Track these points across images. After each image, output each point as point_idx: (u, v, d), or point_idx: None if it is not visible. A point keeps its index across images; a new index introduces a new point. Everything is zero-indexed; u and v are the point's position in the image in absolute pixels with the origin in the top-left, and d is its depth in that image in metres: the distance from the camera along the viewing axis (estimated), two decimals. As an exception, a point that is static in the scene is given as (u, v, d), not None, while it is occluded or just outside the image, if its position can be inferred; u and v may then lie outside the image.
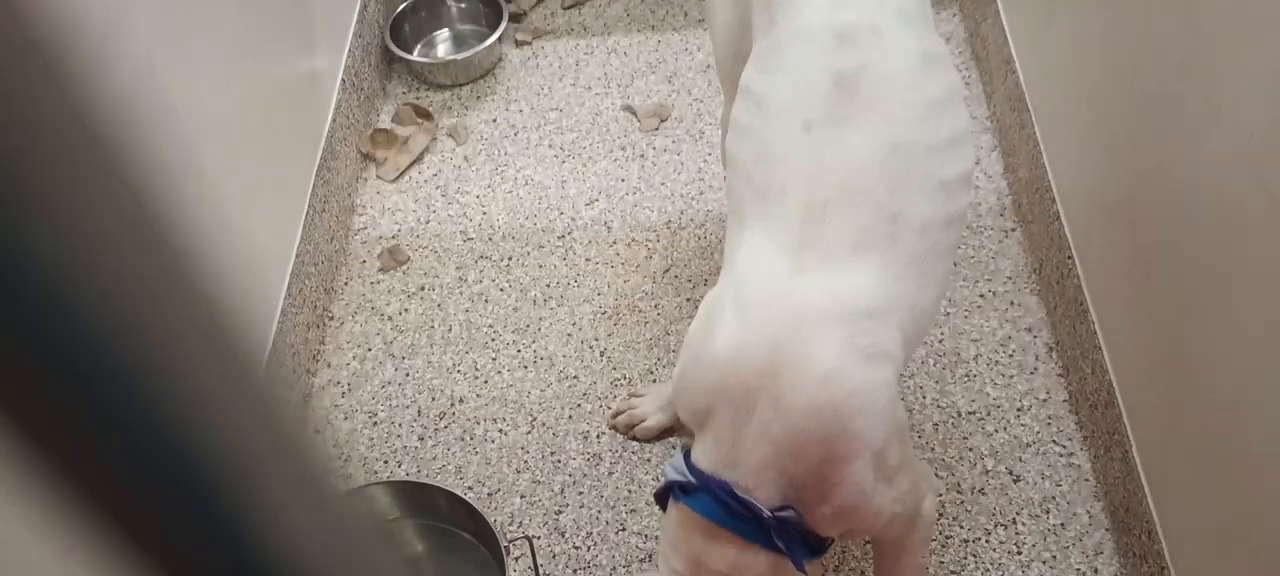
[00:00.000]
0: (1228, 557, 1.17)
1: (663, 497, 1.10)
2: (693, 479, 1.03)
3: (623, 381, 1.65)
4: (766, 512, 0.99)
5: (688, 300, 1.75)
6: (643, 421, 1.57)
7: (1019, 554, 1.44)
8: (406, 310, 1.78)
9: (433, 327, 1.75)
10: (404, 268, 1.83)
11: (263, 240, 1.61)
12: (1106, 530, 1.46)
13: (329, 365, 1.72)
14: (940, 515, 1.48)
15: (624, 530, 1.50)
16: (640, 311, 1.74)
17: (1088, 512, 1.48)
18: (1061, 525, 1.47)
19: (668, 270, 1.79)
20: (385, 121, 2.06)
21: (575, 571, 1.47)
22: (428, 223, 1.90)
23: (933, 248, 1.01)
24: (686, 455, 1.06)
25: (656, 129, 2.01)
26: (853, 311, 0.96)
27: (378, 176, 1.97)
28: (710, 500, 1.01)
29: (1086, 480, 1.51)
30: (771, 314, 0.97)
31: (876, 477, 0.99)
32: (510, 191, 1.93)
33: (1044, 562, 1.43)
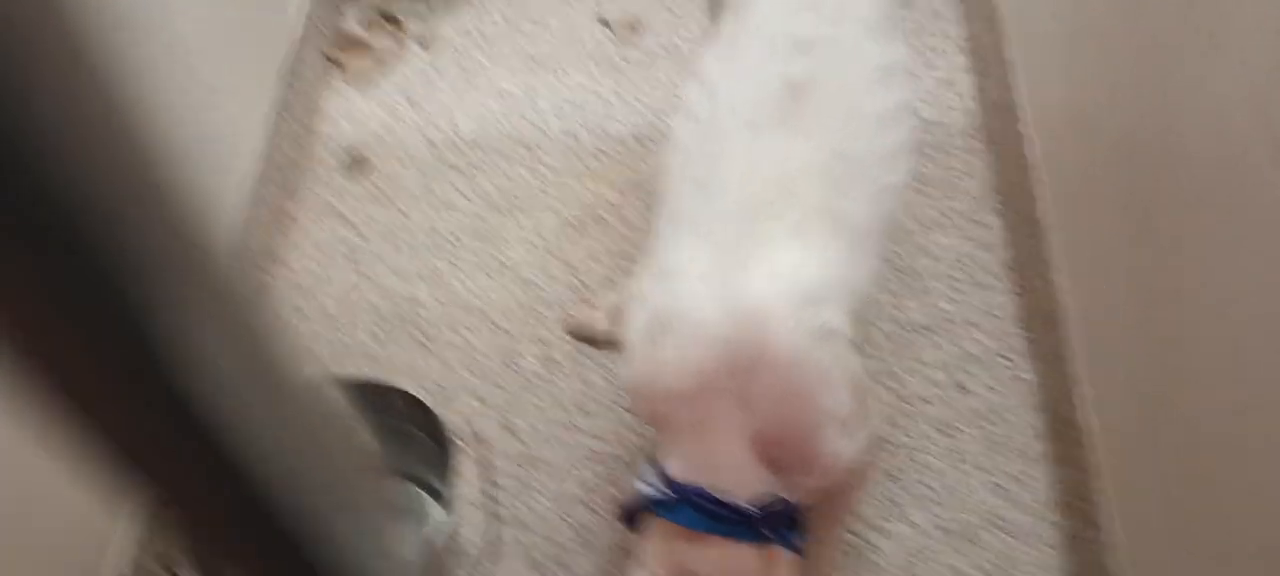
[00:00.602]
0: (1156, 467, 1.19)
1: (630, 515, 1.08)
2: (670, 492, 1.02)
3: (583, 289, 1.67)
4: (754, 510, 0.99)
5: (653, 212, 1.75)
6: (597, 329, 1.59)
7: (960, 460, 1.48)
8: (369, 216, 1.79)
9: (395, 234, 1.76)
10: (368, 174, 1.84)
11: (225, 140, 1.62)
12: (1044, 439, 1.49)
13: (289, 266, 1.73)
14: (887, 423, 1.51)
15: (576, 430, 1.53)
16: (605, 223, 1.75)
17: (1028, 423, 1.50)
18: (1002, 435, 1.50)
19: (635, 183, 1.80)
20: (353, 26, 2.05)
21: (526, 469, 1.50)
22: (393, 130, 1.90)
23: (868, 238, 1.04)
24: (658, 468, 1.04)
25: (630, 42, 2.00)
26: (798, 297, 0.97)
27: (344, 82, 1.96)
28: (692, 510, 1.01)
29: (1030, 393, 1.53)
30: (719, 312, 0.97)
31: (847, 438, 1.02)
32: (479, 101, 1.93)
33: (982, 469, 1.47)
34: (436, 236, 1.75)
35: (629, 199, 1.78)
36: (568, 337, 1.62)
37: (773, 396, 0.96)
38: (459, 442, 1.39)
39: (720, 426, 0.98)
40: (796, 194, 0.99)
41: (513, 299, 1.67)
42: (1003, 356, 1.57)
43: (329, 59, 1.98)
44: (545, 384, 1.57)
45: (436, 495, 1.44)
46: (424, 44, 2.01)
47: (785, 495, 1.00)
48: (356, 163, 1.85)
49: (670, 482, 1.02)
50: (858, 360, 1.04)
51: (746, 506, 0.99)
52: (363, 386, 1.40)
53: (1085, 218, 1.45)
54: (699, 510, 1.00)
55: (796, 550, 1.03)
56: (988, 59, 1.85)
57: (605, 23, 2.03)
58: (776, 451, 0.98)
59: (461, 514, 1.45)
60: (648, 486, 1.04)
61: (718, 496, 0.99)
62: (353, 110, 1.93)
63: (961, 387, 1.54)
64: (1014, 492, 1.44)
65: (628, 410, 1.52)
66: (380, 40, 1.99)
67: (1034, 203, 1.59)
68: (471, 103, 1.93)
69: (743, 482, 0.99)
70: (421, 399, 1.39)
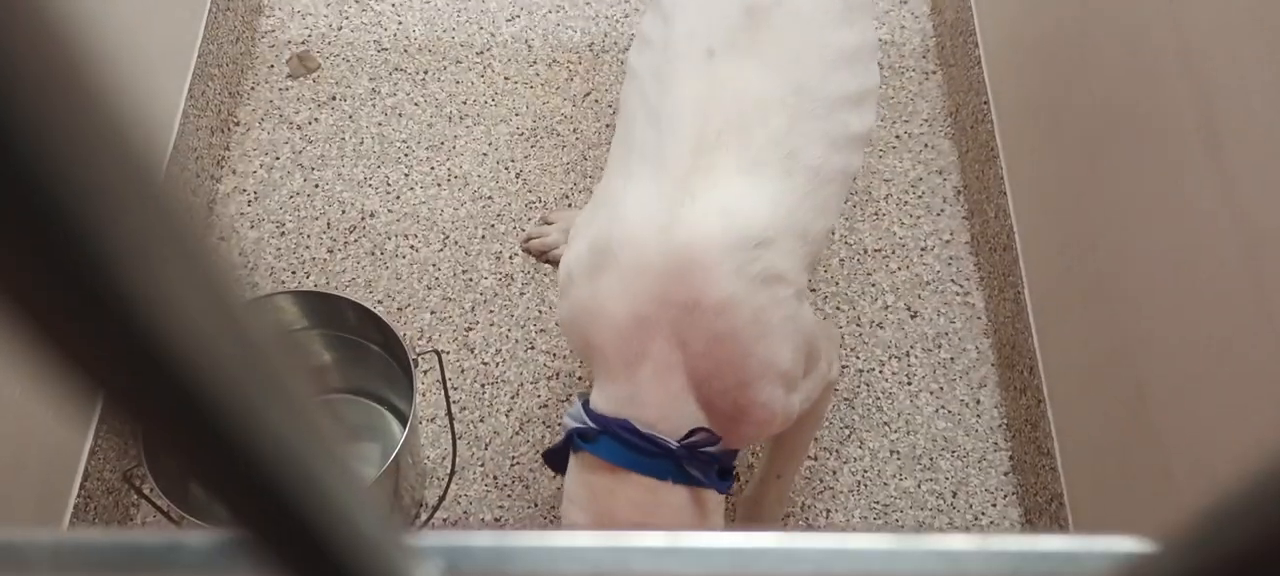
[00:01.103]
0: (1100, 390, 1.24)
1: (558, 455, 1.04)
2: (593, 424, 0.98)
3: (538, 204, 1.65)
4: (674, 444, 0.96)
5: (607, 126, 1.73)
6: (554, 248, 1.57)
7: (909, 384, 1.52)
8: (316, 119, 1.73)
9: (344, 139, 1.71)
10: (314, 75, 1.77)
11: (161, 37, 1.54)
12: (992, 365, 1.54)
13: (234, 172, 1.67)
14: (840, 345, 1.54)
15: (532, 348, 1.53)
16: (558, 134, 1.72)
17: (976, 348, 1.55)
18: (951, 359, 1.54)
19: (588, 94, 1.77)
20: (295, -83, 1.94)
21: (483, 386, 1.50)
22: (340, 29, 1.82)
23: (824, 188, 0.99)
24: (585, 402, 1.01)
25: (582, -55, 1.95)
26: (744, 238, 0.93)
27: (287, -24, 1.87)
28: (612, 442, 0.97)
29: (979, 318, 1.58)
30: (661, 245, 0.93)
31: (786, 391, 0.99)
32: (428, 2, 1.86)
33: (932, 392, 1.51)
34: (386, 143, 1.70)
35: (583, 110, 1.75)
36: (523, 254, 1.60)
37: (707, 337, 0.93)
38: (415, 358, 1.37)
39: (652, 361, 0.94)
40: (751, 126, 0.95)
41: (466, 212, 1.64)
42: (954, 282, 1.61)
43: (269, -49, 1.88)
44: (502, 300, 1.56)
45: (395, 411, 1.43)
46: (369, -62, 1.92)
47: (715, 436, 0.97)
48: (302, 61, 1.77)
49: (594, 415, 0.98)
50: (808, 310, 1.01)
51: (670, 442, 0.96)
52: (316, 299, 1.37)
53: (1030, 141, 1.48)
54: (620, 442, 0.96)
55: (722, 490, 1.01)
56: (944, -20, 1.85)
57: (557, -77, 1.97)
58: (708, 393, 0.96)
59: (419, 430, 1.44)
60: (571, 419, 1.01)
61: (641, 428, 0.95)
62: (297, 6, 1.84)
63: (913, 312, 1.58)
64: (965, 417, 1.50)
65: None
66: (324, -67, 1.90)
67: (987, 126, 1.62)
68: (419, 3, 1.86)
69: (668, 417, 0.96)
70: (377, 314, 1.37)
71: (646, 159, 0.97)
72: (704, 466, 0.97)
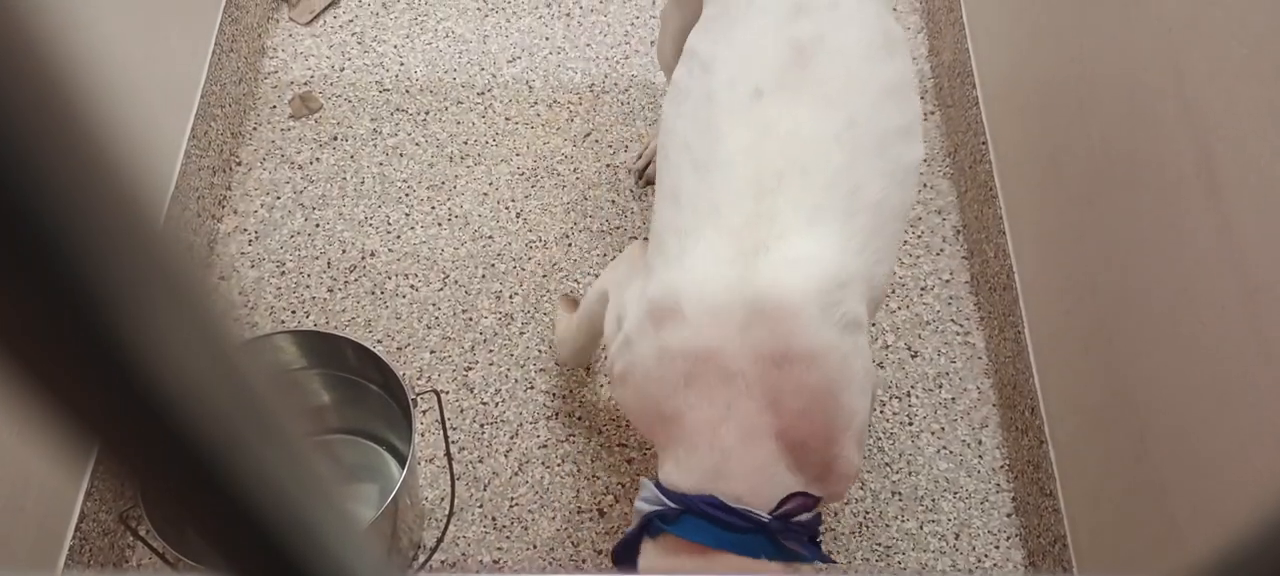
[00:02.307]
0: (1102, 431, 1.24)
1: (629, 548, 0.94)
2: (672, 504, 0.89)
3: (538, 243, 1.65)
4: (767, 516, 0.87)
5: (607, 166, 1.74)
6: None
7: (910, 424, 1.51)
8: (318, 159, 1.73)
9: (345, 179, 1.71)
10: (316, 116, 1.78)
11: (164, 77, 1.55)
12: (994, 405, 1.53)
13: (236, 211, 1.67)
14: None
15: (532, 387, 1.52)
16: (559, 175, 1.73)
17: (978, 388, 1.55)
18: (952, 399, 1.54)
19: (588, 134, 1.78)
20: (299, -40, 1.96)
21: (483, 426, 1.49)
22: (342, 70, 1.84)
23: (886, 226, 0.95)
24: (656, 482, 0.92)
25: (583, -13, 1.97)
26: (822, 282, 0.88)
27: (290, 18, 1.89)
28: (698, 520, 0.87)
29: (979, 358, 1.57)
30: (738, 297, 0.87)
31: (859, 446, 0.93)
32: (429, 43, 1.88)
33: (933, 433, 1.51)
34: (387, 183, 1.71)
35: (583, 150, 1.76)
36: (523, 293, 1.60)
37: (798, 391, 0.86)
38: (414, 397, 1.37)
39: (737, 424, 0.86)
40: (810, 167, 0.90)
41: (466, 251, 1.64)
42: (954, 321, 1.61)
43: (273, -7, 1.90)
44: (502, 340, 1.56)
45: (393, 451, 1.43)
46: (372, -19, 1.94)
47: (810, 499, 0.90)
48: (304, 102, 1.78)
49: (671, 494, 0.90)
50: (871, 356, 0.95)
51: (764, 516, 0.87)
52: (316, 338, 1.37)
53: (1029, 182, 1.48)
54: (708, 519, 0.87)
55: (823, 560, 0.93)
56: (942, 20, 1.86)
57: (559, -34, 1.99)
58: (799, 454, 0.88)
59: (418, 471, 1.44)
60: (644, 503, 0.92)
61: (731, 503, 0.87)
62: (300, 48, 1.86)
63: (913, 352, 1.58)
64: (966, 458, 1.49)
65: (619, 412, 1.45)
66: (327, -25, 1.92)
67: (985, 166, 1.62)
68: (421, 45, 1.88)
69: (759, 488, 0.87)
70: (376, 354, 1.36)
71: (701, 212, 0.91)
72: (797, 536, 0.90)
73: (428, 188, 1.71)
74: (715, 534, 0.87)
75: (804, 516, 0.90)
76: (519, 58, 1.86)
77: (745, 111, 0.93)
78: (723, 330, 0.87)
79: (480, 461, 1.46)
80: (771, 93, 0.93)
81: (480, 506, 1.43)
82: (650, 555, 0.92)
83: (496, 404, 1.51)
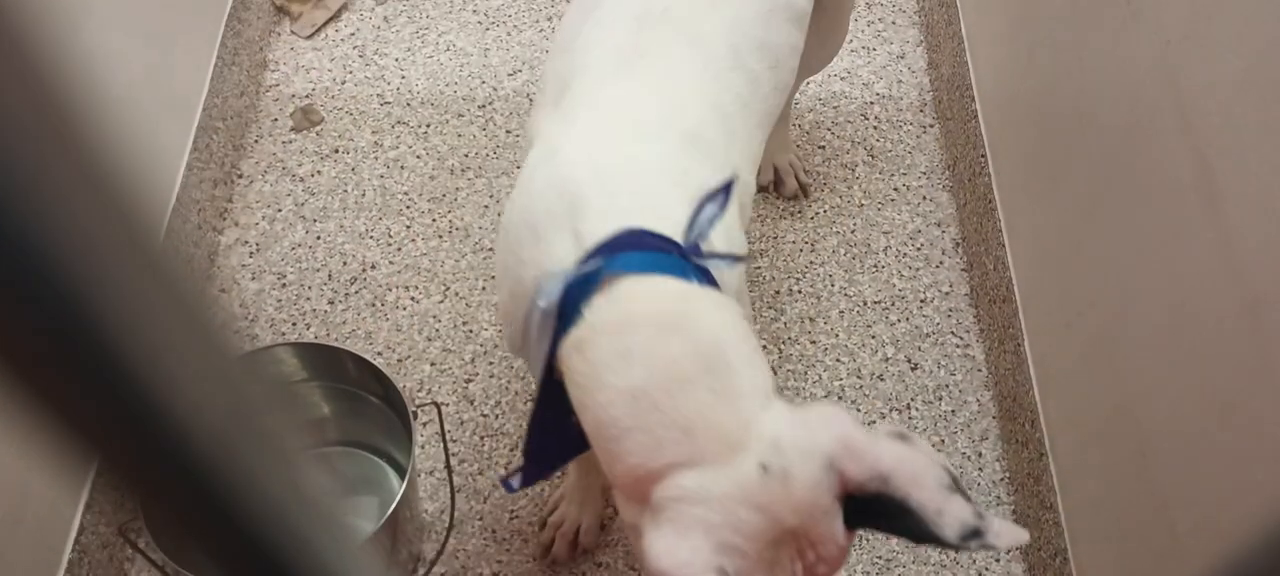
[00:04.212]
0: (1102, 445, 1.24)
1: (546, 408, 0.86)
2: (587, 264, 0.80)
3: (538, 255, 1.65)
4: (682, 242, 0.83)
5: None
6: (578, 524, 1.37)
7: (911, 438, 1.51)
8: (319, 172, 1.74)
9: (346, 191, 1.72)
10: (318, 128, 1.79)
11: (166, 91, 1.55)
12: (993, 418, 1.53)
13: (237, 224, 1.68)
14: (839, 398, 1.54)
15: (532, 400, 1.52)
16: (559, 186, 1.73)
17: (977, 400, 1.55)
18: (952, 411, 1.53)
19: (588, 146, 1.78)
20: (301, -27, 1.97)
21: (483, 438, 1.49)
22: (344, 83, 1.84)
23: (760, 123, 1.01)
24: (554, 281, 0.81)
25: None
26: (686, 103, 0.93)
27: (292, 31, 1.89)
28: (634, 255, 0.79)
29: (979, 370, 1.57)
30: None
31: None
32: (430, 56, 1.88)
33: (933, 445, 1.50)
34: (388, 196, 1.71)
35: (585, 164, 1.76)
36: (524, 305, 1.61)
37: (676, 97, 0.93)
38: (414, 410, 1.37)
39: (617, 151, 0.89)
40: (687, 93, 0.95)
41: (467, 264, 1.64)
42: (954, 334, 1.61)
43: (277, 6, 1.90)
44: (502, 353, 1.56)
45: (393, 464, 1.43)
46: (374, -6, 1.95)
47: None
48: (306, 115, 1.79)
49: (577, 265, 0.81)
50: None
51: (682, 243, 0.83)
52: (316, 350, 1.37)
53: (1028, 195, 1.48)
54: (639, 250, 0.80)
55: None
56: (940, 33, 1.87)
57: (559, -21, 1.99)
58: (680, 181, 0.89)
59: (418, 483, 1.44)
60: (543, 301, 0.81)
61: (654, 231, 0.82)
62: (301, 61, 1.86)
63: (913, 364, 1.58)
64: (967, 471, 1.49)
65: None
66: (329, -12, 1.92)
67: (984, 179, 1.62)
68: (422, 58, 1.88)
69: (670, 213, 0.84)
70: (377, 366, 1.36)
71: (579, 49, 0.98)
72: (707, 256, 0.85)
73: (429, 200, 1.71)
74: (646, 260, 0.79)
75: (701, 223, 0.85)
76: (520, 71, 1.87)
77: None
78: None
79: (480, 474, 1.46)
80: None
81: (480, 519, 1.43)
82: (580, 333, 0.77)
83: (497, 416, 1.51)
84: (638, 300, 0.77)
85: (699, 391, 0.72)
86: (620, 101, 0.93)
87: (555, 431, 0.87)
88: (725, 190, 0.87)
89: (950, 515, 0.70)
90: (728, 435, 0.71)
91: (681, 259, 0.81)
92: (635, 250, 0.79)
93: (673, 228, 0.84)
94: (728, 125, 0.95)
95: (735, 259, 0.88)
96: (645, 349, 0.74)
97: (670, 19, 0.97)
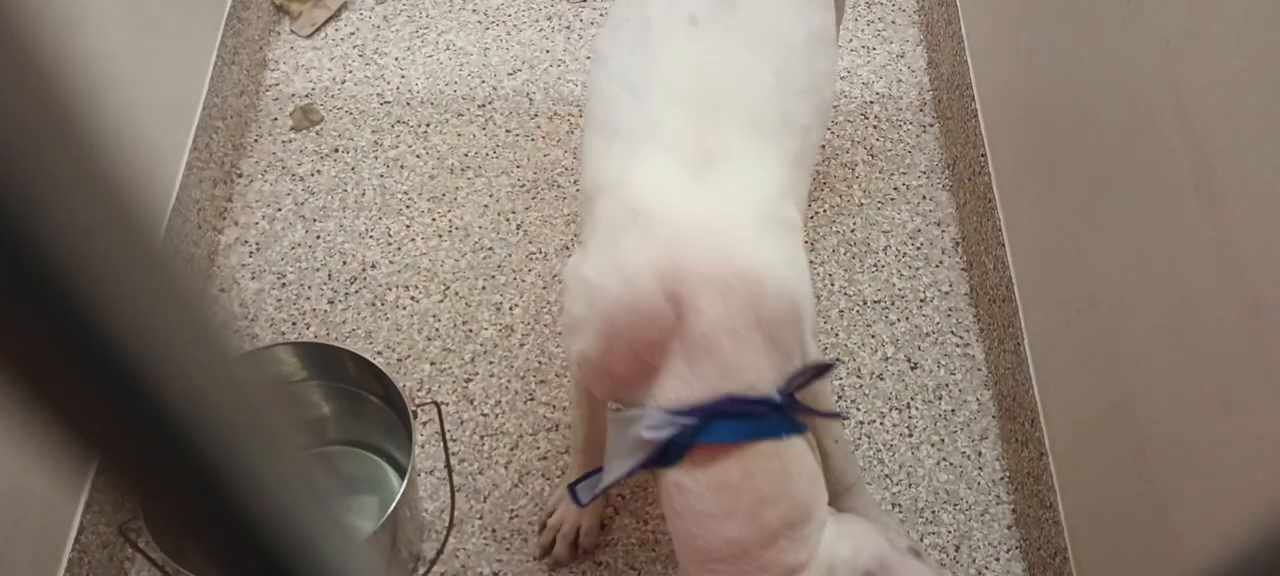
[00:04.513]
0: (1102, 443, 1.24)
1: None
2: (690, 419, 0.90)
3: (538, 255, 1.66)
4: (779, 398, 0.92)
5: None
6: (578, 525, 1.38)
7: (910, 436, 1.51)
8: (319, 171, 1.74)
9: (345, 191, 1.72)
10: (317, 128, 1.79)
11: (166, 90, 1.55)
12: (993, 417, 1.53)
13: (237, 223, 1.68)
14: (839, 398, 1.54)
15: (532, 399, 1.52)
16: (559, 187, 1.73)
17: (977, 400, 1.55)
18: (952, 410, 1.53)
19: (588, 145, 1.78)
20: (300, -27, 1.97)
21: (483, 437, 1.49)
22: (343, 83, 1.84)
23: (810, 145, 1.03)
24: (658, 410, 0.92)
25: (584, 1, 1.97)
26: (765, 198, 0.94)
27: (292, 31, 1.89)
28: (727, 422, 0.90)
29: (979, 369, 1.57)
30: (697, 212, 0.92)
31: (814, 332, 1.01)
32: (430, 55, 1.88)
33: (933, 444, 1.51)
34: (388, 195, 1.71)
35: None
36: (523, 305, 1.61)
37: (765, 293, 0.92)
38: (414, 409, 1.37)
39: (726, 328, 0.89)
40: (749, 92, 0.97)
41: (466, 263, 1.64)
42: (954, 333, 1.61)
43: (277, 6, 1.90)
44: (502, 352, 1.56)
45: (393, 463, 1.43)
46: (374, -6, 1.95)
47: (805, 373, 0.96)
48: (305, 115, 1.79)
49: (682, 411, 0.90)
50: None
51: (777, 397, 0.91)
52: (316, 350, 1.37)
53: (1028, 194, 1.48)
54: (733, 416, 0.89)
55: (841, 418, 1.05)
56: (940, 33, 1.87)
57: (559, -21, 1.99)
58: (777, 345, 0.93)
59: (418, 483, 1.44)
60: (653, 430, 0.91)
61: (748, 396, 0.90)
62: (301, 61, 1.86)
63: (913, 364, 1.57)
64: (967, 470, 1.49)
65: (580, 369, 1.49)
66: (328, -12, 1.92)
67: (984, 178, 1.62)
68: (422, 57, 1.88)
69: (763, 376, 0.91)
70: (377, 365, 1.36)
71: (640, 135, 0.95)
72: (799, 409, 0.95)
73: (428, 199, 1.71)
74: (742, 428, 0.90)
75: (796, 381, 0.94)
76: (520, 70, 1.87)
77: (682, 38, 0.99)
78: (689, 239, 0.91)
79: (480, 473, 1.46)
80: (707, 20, 0.99)
81: (480, 518, 1.43)
82: (682, 475, 0.92)
83: (497, 415, 1.51)
84: (734, 470, 0.91)
85: (780, 543, 0.92)
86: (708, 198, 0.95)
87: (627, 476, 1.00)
88: (821, 369, 0.99)
89: None
90: (797, 567, 0.92)
91: (774, 413, 0.93)
92: (733, 419, 0.91)
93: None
94: (793, 191, 1.00)
95: (831, 415, 1.04)
96: (746, 511, 0.91)
97: (728, 107, 0.97)
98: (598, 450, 1.16)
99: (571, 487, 1.10)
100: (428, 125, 1.79)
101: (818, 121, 1.04)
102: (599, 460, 1.05)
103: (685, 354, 0.91)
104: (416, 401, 1.49)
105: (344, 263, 1.64)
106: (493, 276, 1.63)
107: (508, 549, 1.41)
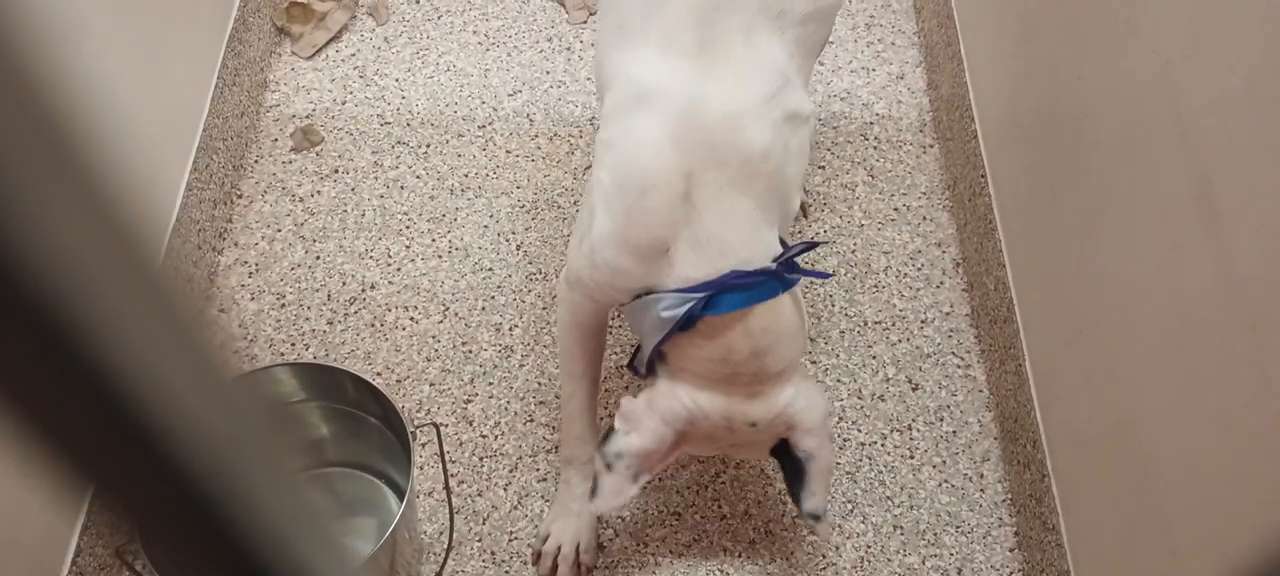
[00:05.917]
0: (1104, 465, 1.23)
1: (649, 361, 1.14)
2: (700, 292, 1.06)
3: (538, 276, 1.65)
4: (774, 265, 1.08)
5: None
6: (577, 541, 1.36)
7: (912, 458, 1.51)
8: (319, 192, 1.74)
9: (345, 211, 1.72)
10: (318, 149, 1.79)
11: (167, 111, 1.55)
12: (995, 438, 1.53)
13: (236, 244, 1.68)
14: (840, 419, 1.53)
15: (532, 420, 1.52)
16: (559, 207, 1.74)
17: (979, 421, 1.54)
18: (953, 432, 1.53)
19: (589, 166, 1.78)
20: (302, -5, 1.98)
21: (482, 459, 1.48)
22: (344, 104, 1.84)
23: (810, 38, 1.15)
24: (669, 291, 1.07)
25: (584, 22, 1.98)
26: (767, 92, 1.06)
27: (293, 52, 1.90)
28: (733, 294, 1.06)
29: (980, 391, 1.57)
30: (697, 122, 1.04)
31: (799, 190, 1.17)
32: (431, 77, 1.89)
33: (935, 466, 1.50)
34: (388, 216, 1.71)
35: (583, 183, 1.76)
36: (523, 325, 1.60)
37: (758, 176, 1.06)
38: (413, 430, 1.36)
39: (721, 205, 1.04)
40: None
41: (466, 284, 1.64)
42: (955, 354, 1.60)
43: (278, 27, 1.91)
44: (502, 373, 1.56)
45: (392, 484, 1.42)
46: (376, 15, 1.96)
47: (796, 247, 1.12)
48: (306, 135, 1.79)
49: (691, 288, 1.06)
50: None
51: (772, 266, 1.08)
52: (315, 371, 1.37)
53: (1028, 214, 1.48)
54: (737, 290, 1.06)
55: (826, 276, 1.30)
56: (940, 54, 1.87)
57: (558, 0, 2.00)
58: (766, 213, 1.08)
59: (417, 504, 1.43)
60: (670, 309, 1.07)
61: (747, 269, 1.06)
62: (302, 82, 1.87)
63: (914, 385, 1.57)
64: (968, 492, 1.48)
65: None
66: (330, 9, 1.93)
67: (984, 199, 1.62)
68: (423, 78, 1.89)
69: (757, 249, 1.07)
70: (376, 386, 1.36)
71: (651, 44, 1.07)
72: (794, 265, 1.11)
73: (428, 220, 1.71)
74: (749, 296, 1.06)
75: (797, 256, 1.12)
76: (520, 91, 1.87)
77: None
78: (694, 143, 1.05)
79: (479, 495, 1.46)
80: None
81: (479, 540, 1.42)
82: (690, 343, 1.10)
83: (496, 437, 1.50)
84: (737, 331, 1.09)
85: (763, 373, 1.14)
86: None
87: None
88: (808, 244, 1.22)
89: (818, 498, 1.18)
90: (768, 390, 1.13)
91: (773, 278, 1.09)
92: (736, 292, 1.07)
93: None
94: (798, 78, 1.14)
95: (815, 277, 1.22)
96: (744, 357, 1.10)
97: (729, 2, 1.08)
98: (590, 433, 1.31)
99: (630, 364, 1.26)
100: (428, 146, 1.80)
101: (818, 11, 1.15)
102: (592, 447, 1.26)
103: (691, 238, 1.06)
104: (415, 422, 1.49)
105: (343, 283, 1.64)
106: (492, 297, 1.63)
107: (507, 571, 1.40)
